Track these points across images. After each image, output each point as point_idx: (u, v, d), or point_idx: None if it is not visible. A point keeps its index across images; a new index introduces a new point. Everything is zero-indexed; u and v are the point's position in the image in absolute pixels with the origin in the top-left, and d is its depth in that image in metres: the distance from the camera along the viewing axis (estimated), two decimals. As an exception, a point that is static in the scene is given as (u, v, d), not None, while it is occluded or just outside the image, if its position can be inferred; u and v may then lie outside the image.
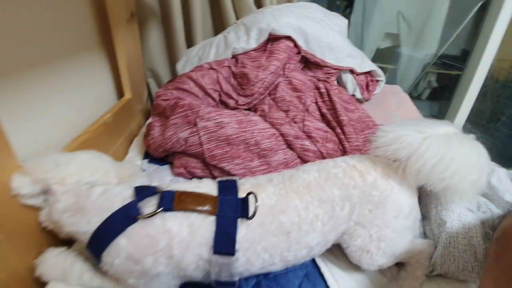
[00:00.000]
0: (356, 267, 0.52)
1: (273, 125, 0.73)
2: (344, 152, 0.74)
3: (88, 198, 0.43)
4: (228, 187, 0.46)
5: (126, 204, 0.41)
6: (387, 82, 2.27)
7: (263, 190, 0.47)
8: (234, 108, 0.80)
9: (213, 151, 0.68)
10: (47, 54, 0.63)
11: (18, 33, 0.54)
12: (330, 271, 0.52)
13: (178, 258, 0.41)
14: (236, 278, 0.44)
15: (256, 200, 0.44)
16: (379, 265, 0.49)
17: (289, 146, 0.72)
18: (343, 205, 0.48)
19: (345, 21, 1.06)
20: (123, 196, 0.43)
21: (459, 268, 0.48)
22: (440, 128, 0.49)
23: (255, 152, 0.68)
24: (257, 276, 0.50)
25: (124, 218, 0.40)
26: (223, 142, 0.68)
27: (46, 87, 0.62)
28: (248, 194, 0.45)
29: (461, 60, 1.82)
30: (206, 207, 0.42)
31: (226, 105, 0.81)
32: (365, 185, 0.48)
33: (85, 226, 0.42)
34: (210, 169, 0.70)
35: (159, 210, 0.40)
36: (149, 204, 0.42)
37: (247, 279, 0.50)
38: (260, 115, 0.76)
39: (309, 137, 0.73)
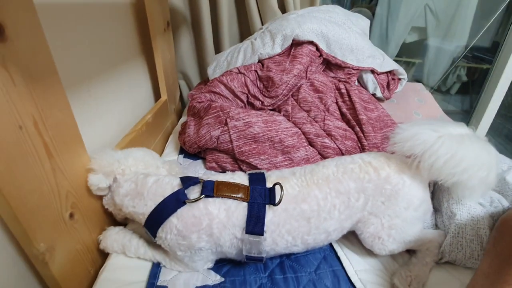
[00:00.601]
0: (369, 253, 0.58)
1: (295, 124, 0.80)
2: (362, 149, 0.79)
3: (144, 185, 0.52)
4: (258, 179, 0.54)
5: (177, 190, 0.51)
6: (414, 77, 2.21)
7: (287, 182, 0.54)
8: (260, 109, 0.87)
9: (242, 147, 0.76)
10: (105, 63, 0.75)
11: (85, 48, 0.66)
12: (345, 255, 0.58)
13: (217, 236, 0.50)
14: (264, 255, 0.52)
15: (281, 190, 0.51)
16: (390, 250, 0.55)
17: (310, 143, 0.78)
18: (358, 196, 0.53)
19: (367, 21, 1.09)
20: (172, 185, 0.52)
21: (466, 256, 0.53)
22: (454, 128, 0.53)
23: (279, 149, 0.76)
24: (281, 256, 0.58)
25: (175, 201, 0.50)
26: (250, 140, 0.76)
27: (105, 93, 0.75)
28: (275, 184, 0.52)
29: (492, 52, 1.75)
30: (240, 195, 0.51)
31: (253, 106, 0.88)
32: (379, 179, 0.53)
33: (142, 208, 0.52)
34: (238, 163, 0.78)
35: (202, 196, 0.50)
36: (194, 191, 0.51)
37: (272, 258, 0.58)
38: (284, 115, 0.83)
39: (329, 135, 0.79)
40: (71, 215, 0.52)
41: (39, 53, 0.44)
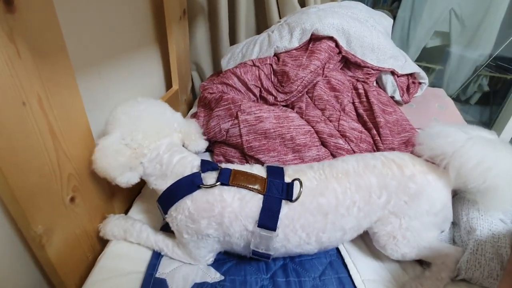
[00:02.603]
0: (378, 261, 0.55)
1: (309, 122, 0.77)
2: (377, 153, 0.75)
3: (169, 165, 0.52)
4: (276, 172, 0.52)
5: (193, 173, 0.50)
6: (433, 84, 2.15)
7: (304, 174, 0.52)
8: (273, 104, 0.84)
9: (251, 143, 0.73)
10: (117, 47, 0.73)
11: (98, 29, 0.64)
12: (353, 262, 0.55)
13: (227, 225, 0.48)
14: (271, 253, 0.49)
15: (301, 186, 0.48)
16: (402, 254, 0.52)
17: (323, 143, 0.75)
18: (380, 193, 0.50)
19: (391, 20, 1.04)
20: (193, 165, 0.52)
21: (484, 275, 0.49)
22: (483, 132, 0.51)
23: (289, 147, 0.73)
24: (284, 258, 0.56)
25: (190, 184, 0.49)
26: (260, 135, 0.73)
27: (116, 77, 0.73)
28: (294, 180, 0.50)
29: (519, 63, 1.67)
30: (256, 186, 0.49)
31: (265, 101, 0.86)
32: (402, 177, 0.51)
33: (163, 185, 0.51)
34: (246, 159, 0.76)
35: (217, 183, 0.48)
36: (211, 177, 0.50)
37: (275, 260, 0.55)
38: (297, 112, 0.80)
39: (343, 136, 0.75)
40: (72, 199, 0.50)
41: (48, 28, 0.42)
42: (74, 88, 0.48)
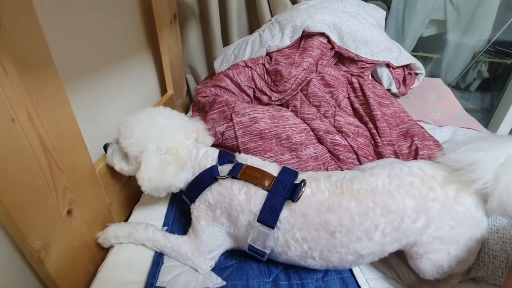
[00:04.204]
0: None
1: (304, 120, 0.76)
2: (376, 146, 0.74)
3: (196, 159, 0.55)
4: (289, 173, 0.51)
5: (211, 166, 0.53)
6: (431, 73, 2.12)
7: (318, 183, 0.48)
8: (267, 104, 0.84)
9: (247, 144, 0.73)
10: (108, 56, 0.73)
11: (87, 40, 0.64)
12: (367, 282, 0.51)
13: (235, 217, 0.50)
14: (267, 251, 0.49)
15: (304, 185, 0.47)
16: (440, 277, 0.47)
17: (320, 140, 0.74)
18: (417, 217, 0.43)
19: (383, 12, 1.03)
20: (213, 157, 0.55)
21: (488, 273, 0.48)
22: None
23: (286, 146, 0.72)
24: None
25: (209, 177, 0.52)
26: (256, 136, 0.73)
27: (108, 85, 0.73)
28: (301, 181, 0.48)
29: (518, 46, 1.64)
30: (264, 182, 0.49)
31: (260, 101, 0.85)
32: (446, 198, 0.43)
33: (191, 179, 0.55)
34: (244, 161, 0.75)
35: (228, 176, 0.51)
36: (226, 170, 0.53)
37: (277, 263, 0.54)
38: (292, 111, 0.79)
39: (339, 131, 0.75)
40: (69, 212, 0.50)
41: (34, 43, 0.42)
42: (64, 100, 0.48)
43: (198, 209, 0.53)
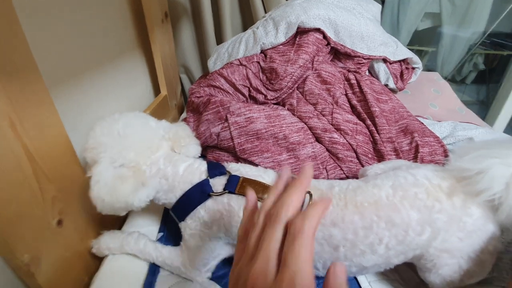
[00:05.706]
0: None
1: (301, 118, 0.74)
2: (375, 144, 0.73)
3: (176, 176, 0.49)
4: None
5: (202, 181, 0.48)
6: (427, 66, 2.11)
7: (319, 193, 0.46)
8: (263, 103, 0.82)
9: (243, 145, 0.71)
10: (99, 58, 0.70)
11: (75, 42, 0.61)
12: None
13: (235, 233, 0.47)
14: None
15: (310, 199, 0.41)
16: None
17: (318, 139, 0.72)
18: (422, 230, 0.41)
19: (379, 6, 1.01)
20: (200, 170, 0.50)
21: (492, 275, 0.46)
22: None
23: (283, 146, 0.70)
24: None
25: (201, 193, 0.48)
26: (252, 137, 0.71)
27: (99, 88, 0.70)
28: (307, 192, 0.44)
29: (514, 38, 1.63)
30: (264, 197, 0.45)
31: (255, 100, 0.83)
32: (453, 209, 0.41)
33: (173, 198, 0.50)
34: (240, 162, 0.74)
35: (225, 192, 0.47)
36: (219, 183, 0.49)
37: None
38: (289, 109, 0.77)
39: (338, 129, 0.73)
40: (59, 222, 0.48)
41: (14, 49, 0.39)
42: (50, 106, 0.46)
43: (191, 226, 0.49)
